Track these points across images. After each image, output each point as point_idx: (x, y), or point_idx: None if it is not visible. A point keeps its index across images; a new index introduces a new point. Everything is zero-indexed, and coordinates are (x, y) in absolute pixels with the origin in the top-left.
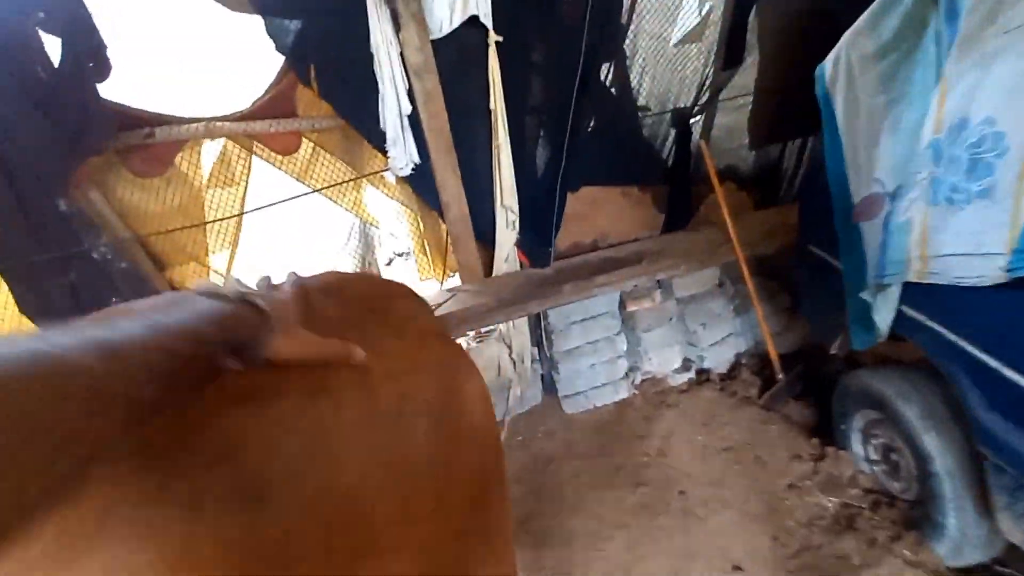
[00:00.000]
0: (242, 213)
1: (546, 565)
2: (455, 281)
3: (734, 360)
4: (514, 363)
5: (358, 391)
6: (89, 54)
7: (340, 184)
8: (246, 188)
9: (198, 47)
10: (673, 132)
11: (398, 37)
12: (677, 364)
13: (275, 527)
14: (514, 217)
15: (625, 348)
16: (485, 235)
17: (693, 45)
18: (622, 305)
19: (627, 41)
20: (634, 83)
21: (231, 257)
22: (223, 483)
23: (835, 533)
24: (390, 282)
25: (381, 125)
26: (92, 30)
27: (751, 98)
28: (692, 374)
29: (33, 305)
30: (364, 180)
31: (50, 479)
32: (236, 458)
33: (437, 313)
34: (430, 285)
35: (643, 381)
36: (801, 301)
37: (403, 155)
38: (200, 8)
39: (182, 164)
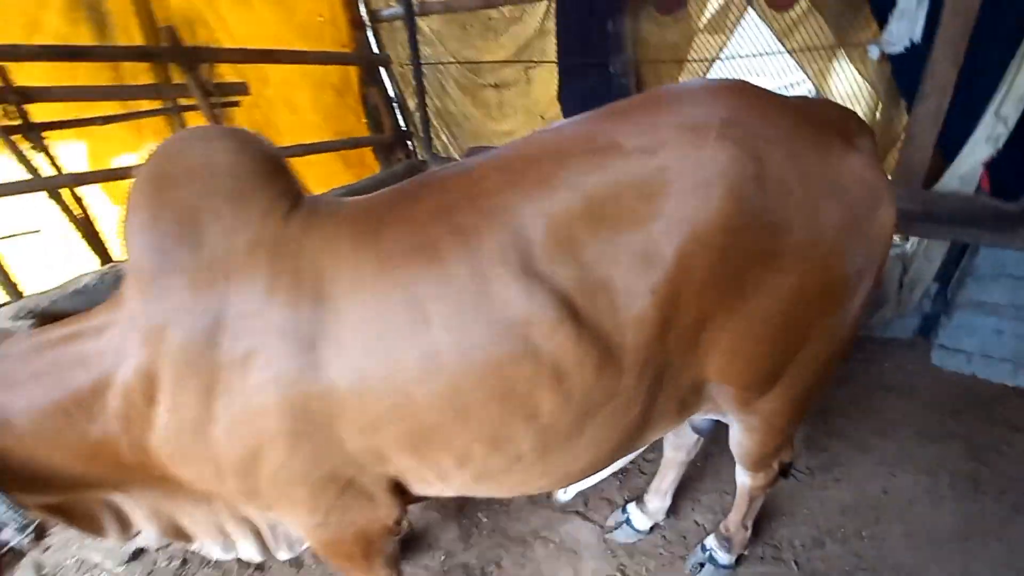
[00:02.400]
0: (715, 59)
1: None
2: None
3: None
4: (900, 286)
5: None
6: None
7: (815, 49)
8: (727, 38)
9: None
10: None
11: None
12: None
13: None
14: (1003, 131)
15: None
16: (949, 141)
17: None
18: None
19: None
20: None
21: None
22: None
23: None
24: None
25: None
26: None
27: None
28: None
29: (566, 95)
30: (838, 51)
31: None
32: None
33: None
34: None
35: None
36: None
37: (905, 30)
38: None
39: (691, 7)
